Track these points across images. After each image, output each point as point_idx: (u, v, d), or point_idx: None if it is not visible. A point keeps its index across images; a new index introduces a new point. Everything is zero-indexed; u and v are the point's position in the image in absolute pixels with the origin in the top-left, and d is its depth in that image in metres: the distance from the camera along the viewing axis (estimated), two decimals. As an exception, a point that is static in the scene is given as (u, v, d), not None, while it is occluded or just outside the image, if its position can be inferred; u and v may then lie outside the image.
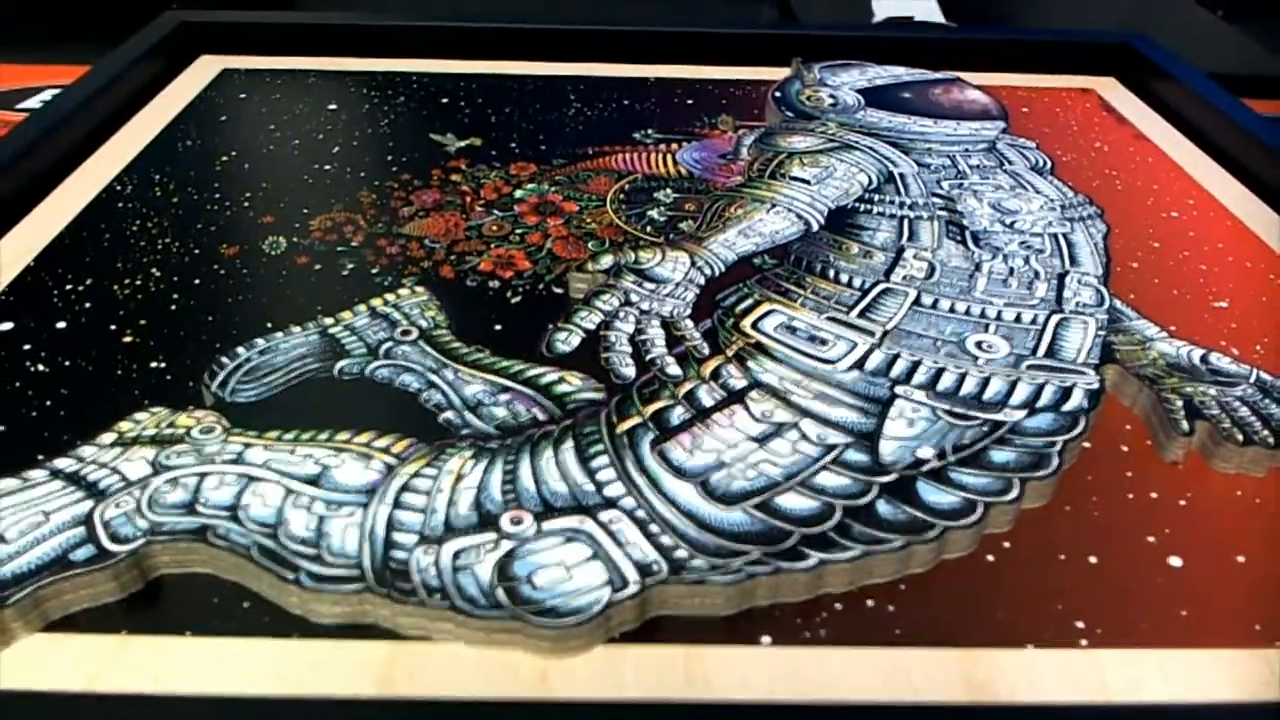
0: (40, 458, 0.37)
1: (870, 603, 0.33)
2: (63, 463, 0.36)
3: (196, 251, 0.51)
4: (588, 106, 0.70)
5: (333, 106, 0.68)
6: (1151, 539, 0.36)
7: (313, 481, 0.35)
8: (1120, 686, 0.31)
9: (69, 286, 0.47)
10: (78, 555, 0.33)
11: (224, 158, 0.60)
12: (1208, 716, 0.31)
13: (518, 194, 0.57)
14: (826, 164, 0.60)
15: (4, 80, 0.80)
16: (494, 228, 0.54)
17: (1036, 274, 0.49)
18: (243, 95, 0.69)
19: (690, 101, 0.71)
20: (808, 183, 0.58)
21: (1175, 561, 0.35)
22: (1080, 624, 0.33)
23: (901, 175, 0.59)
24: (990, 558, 0.35)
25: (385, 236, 0.52)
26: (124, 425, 0.38)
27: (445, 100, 0.70)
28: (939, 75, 0.74)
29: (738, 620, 0.33)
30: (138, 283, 0.48)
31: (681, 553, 0.33)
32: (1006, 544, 0.36)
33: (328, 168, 0.60)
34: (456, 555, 0.33)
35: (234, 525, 0.34)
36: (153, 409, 0.39)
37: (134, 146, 0.61)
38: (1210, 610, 0.34)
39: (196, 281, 0.48)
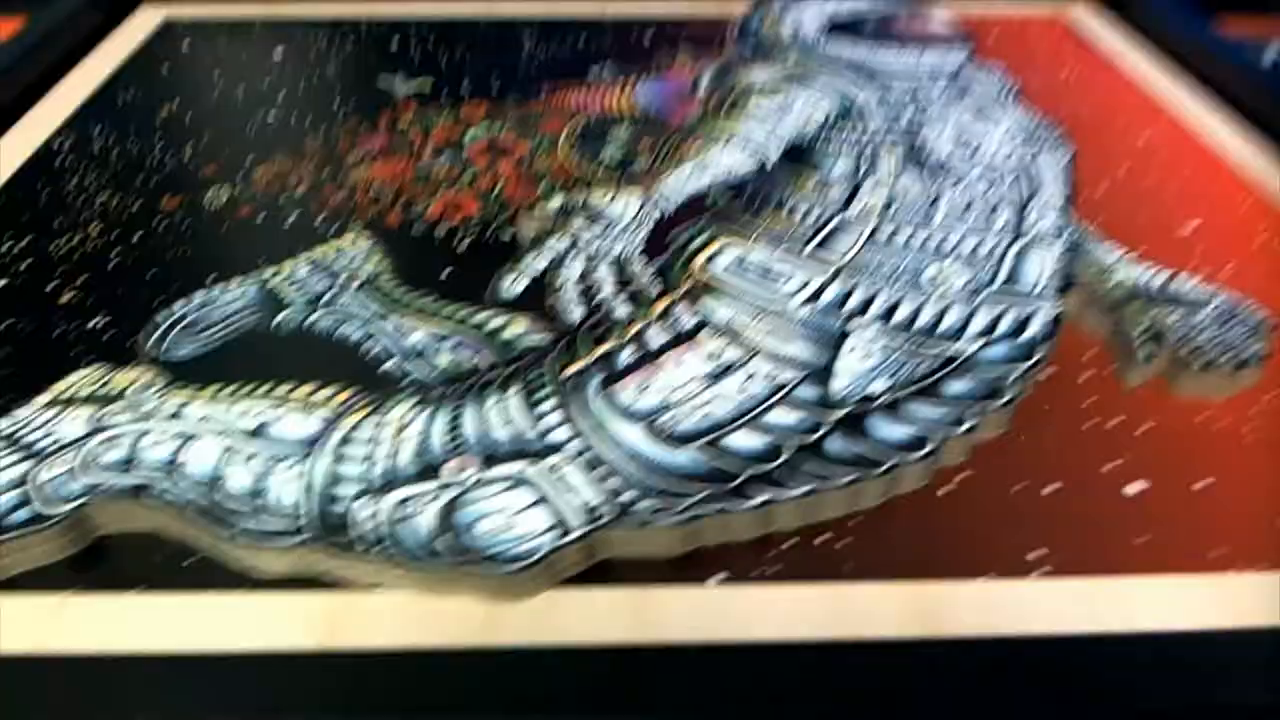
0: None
1: (821, 539, 0.33)
2: (-3, 425, 0.35)
3: (137, 206, 0.49)
4: (542, 47, 0.68)
5: (278, 56, 0.66)
6: (1109, 466, 0.36)
7: (252, 436, 0.35)
8: (1074, 615, 0.31)
9: (6, 246, 0.46)
10: (15, 518, 0.32)
11: (165, 110, 0.58)
12: (1160, 644, 0.30)
13: (468, 135, 0.56)
14: (785, 96, 0.59)
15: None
16: (443, 172, 0.53)
17: (997, 202, 0.49)
18: (185, 45, 0.67)
19: (648, 39, 0.70)
20: (765, 117, 0.56)
21: (1132, 489, 0.35)
22: (1034, 554, 0.32)
23: (862, 106, 0.58)
24: (944, 490, 0.35)
25: (330, 184, 0.51)
26: (60, 385, 0.37)
27: (395, 46, 0.68)
28: (902, 4, 0.72)
29: (687, 561, 0.32)
30: (75, 240, 0.46)
31: (627, 495, 0.33)
32: (961, 475, 0.36)
33: (271, 117, 0.58)
34: (398, 505, 0.32)
35: (170, 483, 0.33)
36: (90, 367, 0.38)
37: (73, 101, 0.59)
38: (1166, 537, 0.33)
39: (136, 237, 0.47)
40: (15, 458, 0.34)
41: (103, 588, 0.31)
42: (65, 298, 0.43)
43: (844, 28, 0.68)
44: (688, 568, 0.32)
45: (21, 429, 0.35)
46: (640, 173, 0.52)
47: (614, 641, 0.30)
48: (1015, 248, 0.45)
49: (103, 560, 0.32)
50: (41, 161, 0.53)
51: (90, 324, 0.41)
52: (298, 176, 0.52)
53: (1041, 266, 0.44)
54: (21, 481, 0.33)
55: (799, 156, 0.53)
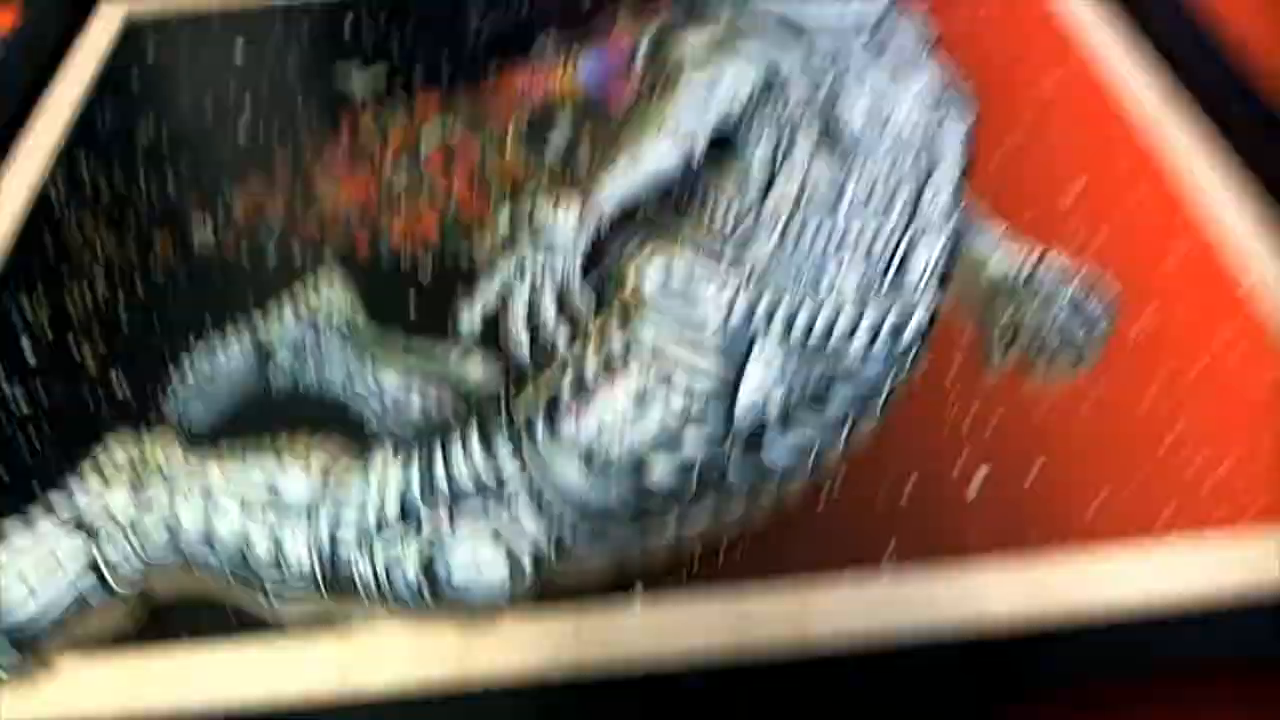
0: (41, 495, 0.44)
1: (721, 553, 0.41)
2: (60, 505, 0.43)
3: (134, 250, 0.55)
4: (489, 16, 0.71)
5: (238, 52, 0.69)
6: (965, 454, 0.43)
7: (264, 497, 0.43)
8: (928, 603, 0.39)
9: (27, 309, 0.53)
10: (92, 598, 0.41)
11: (143, 135, 0.63)
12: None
13: (423, 139, 0.61)
14: (714, 70, 0.61)
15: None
16: (403, 186, 0.58)
17: (898, 182, 0.53)
18: (150, 52, 0.70)
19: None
20: (693, 98, 0.60)
21: (982, 472, 0.43)
22: (893, 544, 0.41)
23: (785, 75, 0.61)
24: (823, 492, 0.43)
25: (302, 209, 0.57)
26: (101, 458, 0.45)
27: (349, 22, 0.71)
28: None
29: (615, 585, 0.41)
30: (86, 295, 0.53)
31: (565, 535, 0.41)
32: (836, 478, 0.43)
33: (241, 131, 0.62)
34: (385, 559, 0.41)
35: (210, 552, 0.41)
36: (119, 436, 0.46)
37: (54, 130, 0.63)
38: (1003, 517, 0.41)
39: (137, 286, 0.53)
40: (80, 538, 0.42)
41: (163, 642, 0.40)
42: (87, 359, 0.50)
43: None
44: (615, 591, 0.41)
45: (77, 509, 0.43)
46: (582, 169, 0.57)
47: (564, 663, 0.39)
48: (906, 238, 0.50)
49: (161, 619, 0.41)
50: (40, 209, 0.58)
51: (111, 386, 0.48)
52: (272, 204, 0.57)
53: (927, 258, 0.49)
54: (92, 565, 0.41)
55: (723, 139, 0.57)
